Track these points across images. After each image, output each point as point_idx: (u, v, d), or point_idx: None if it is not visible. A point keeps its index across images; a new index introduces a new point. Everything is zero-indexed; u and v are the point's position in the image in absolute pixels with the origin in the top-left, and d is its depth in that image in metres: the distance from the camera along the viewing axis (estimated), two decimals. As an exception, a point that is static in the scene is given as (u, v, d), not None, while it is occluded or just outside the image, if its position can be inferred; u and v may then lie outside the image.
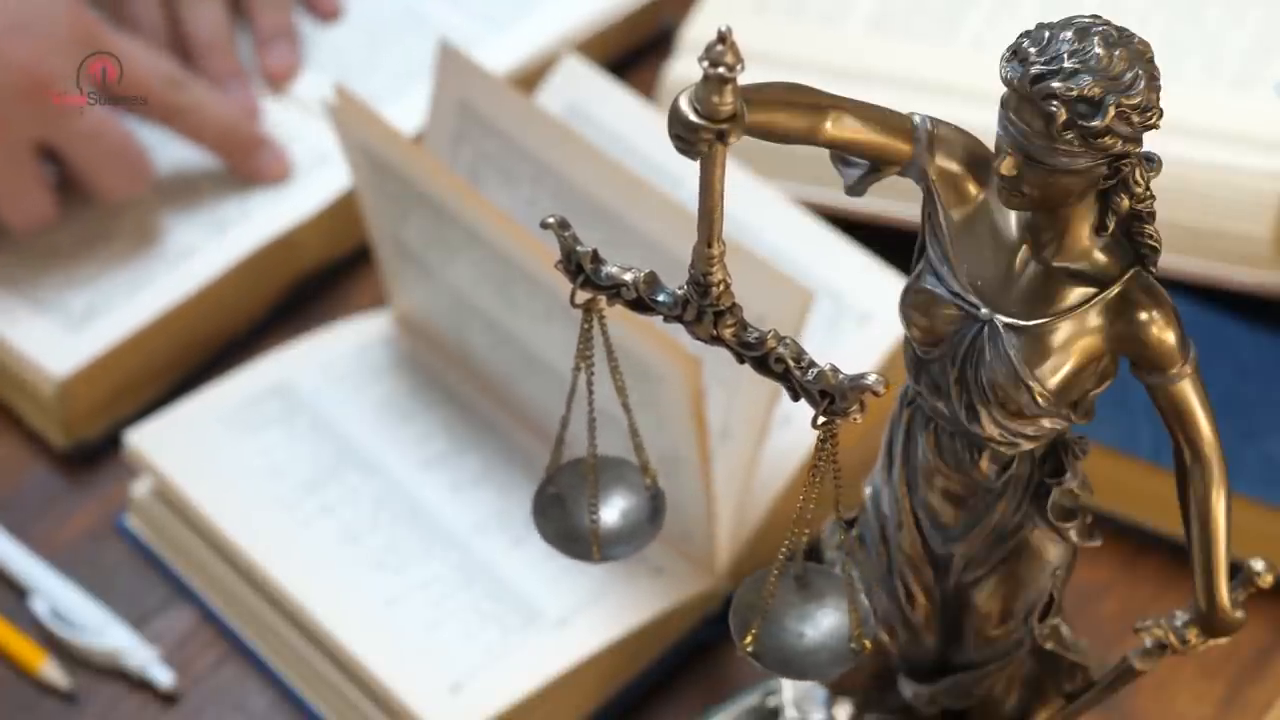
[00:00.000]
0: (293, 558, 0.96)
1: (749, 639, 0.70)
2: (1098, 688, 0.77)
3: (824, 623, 0.71)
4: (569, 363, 0.94)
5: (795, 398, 0.67)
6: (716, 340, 0.67)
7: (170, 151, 1.10)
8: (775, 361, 0.67)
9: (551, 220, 0.68)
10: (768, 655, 0.70)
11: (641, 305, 0.68)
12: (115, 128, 1.05)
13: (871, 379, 0.65)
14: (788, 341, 0.67)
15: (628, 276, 0.68)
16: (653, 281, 0.68)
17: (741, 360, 0.68)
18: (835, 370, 0.66)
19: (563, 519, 0.75)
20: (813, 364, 0.66)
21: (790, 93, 0.65)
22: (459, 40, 1.03)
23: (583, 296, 0.69)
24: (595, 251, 0.68)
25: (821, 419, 0.66)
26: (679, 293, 0.67)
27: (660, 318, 0.68)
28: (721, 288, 0.66)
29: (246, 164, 1.09)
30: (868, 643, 0.70)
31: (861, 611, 0.71)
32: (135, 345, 1.04)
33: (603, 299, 0.69)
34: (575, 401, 0.73)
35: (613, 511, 0.75)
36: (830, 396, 0.66)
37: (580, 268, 0.68)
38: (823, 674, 0.71)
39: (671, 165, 0.98)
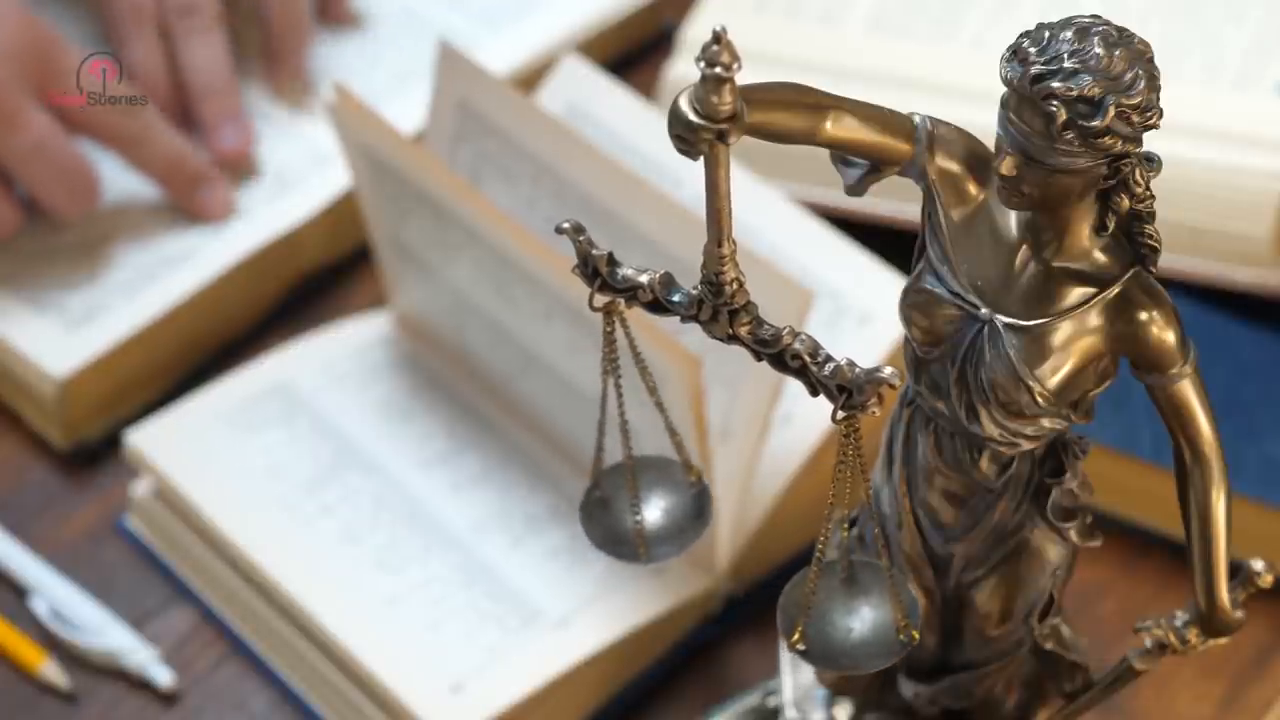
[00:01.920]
0: (293, 558, 0.95)
1: (796, 636, 0.70)
2: (1098, 688, 0.77)
3: (869, 616, 0.71)
4: (569, 362, 0.95)
5: (814, 393, 0.67)
6: (733, 339, 0.67)
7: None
8: (791, 358, 0.67)
9: (567, 226, 0.67)
10: (816, 651, 0.70)
11: (657, 306, 0.68)
12: (61, 146, 1.04)
13: (887, 372, 0.65)
14: (803, 337, 0.67)
15: (643, 278, 0.68)
16: (668, 282, 0.68)
17: (759, 358, 0.68)
18: (851, 364, 0.66)
19: (608, 522, 0.74)
20: (829, 359, 0.66)
21: (790, 92, 0.65)
22: (459, 40, 1.03)
23: (601, 300, 0.69)
24: (611, 254, 0.68)
25: (841, 413, 0.66)
26: (693, 293, 0.67)
27: (674, 318, 0.68)
28: (735, 286, 0.66)
29: (190, 199, 1.07)
30: (915, 633, 0.70)
31: (906, 602, 0.71)
32: (135, 345, 1.04)
33: (621, 302, 0.69)
34: (595, 405, 0.73)
35: (656, 511, 0.74)
36: (848, 391, 0.66)
37: (596, 271, 0.68)
38: (872, 666, 0.71)
39: (671, 165, 0.98)
